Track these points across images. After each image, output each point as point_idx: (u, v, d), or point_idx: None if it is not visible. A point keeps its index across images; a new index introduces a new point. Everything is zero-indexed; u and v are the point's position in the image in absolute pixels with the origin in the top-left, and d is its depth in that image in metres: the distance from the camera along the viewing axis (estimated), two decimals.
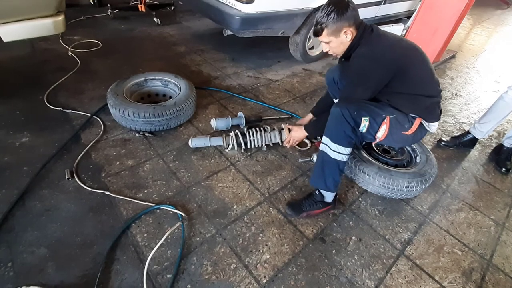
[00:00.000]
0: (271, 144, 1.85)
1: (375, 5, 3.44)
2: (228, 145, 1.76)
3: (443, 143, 2.16)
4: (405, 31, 3.54)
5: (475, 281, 1.32)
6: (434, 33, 3.17)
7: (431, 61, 3.41)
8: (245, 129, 1.83)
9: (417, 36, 3.31)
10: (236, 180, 1.63)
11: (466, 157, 2.10)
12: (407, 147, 1.80)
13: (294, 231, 1.41)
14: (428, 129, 1.49)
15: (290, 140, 1.78)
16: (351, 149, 1.39)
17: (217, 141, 1.77)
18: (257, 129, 1.82)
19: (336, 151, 1.36)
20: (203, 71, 2.72)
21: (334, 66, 1.77)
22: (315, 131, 1.69)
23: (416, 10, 3.28)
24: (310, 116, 1.96)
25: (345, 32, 1.29)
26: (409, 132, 1.43)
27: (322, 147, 1.41)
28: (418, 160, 1.69)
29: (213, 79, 2.60)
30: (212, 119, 1.92)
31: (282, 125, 1.86)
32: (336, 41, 1.33)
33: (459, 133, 2.27)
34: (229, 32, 2.69)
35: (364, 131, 1.36)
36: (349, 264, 1.31)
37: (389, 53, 1.31)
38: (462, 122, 2.48)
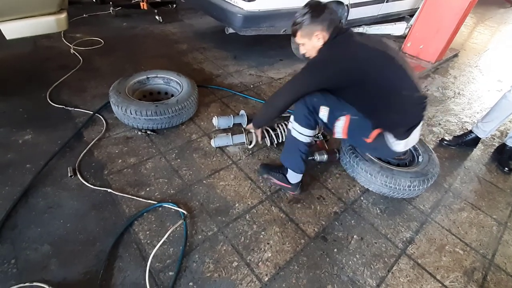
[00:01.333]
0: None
1: (378, 3, 3.42)
2: (251, 142, 1.78)
3: (445, 142, 2.15)
4: (407, 29, 3.52)
5: (476, 281, 1.32)
6: (437, 32, 3.15)
7: (434, 60, 3.39)
8: (275, 124, 1.87)
9: (420, 34, 3.29)
10: (238, 179, 1.64)
11: (468, 156, 2.09)
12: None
13: (295, 230, 1.41)
14: (390, 145, 1.37)
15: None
16: (312, 131, 1.42)
17: (240, 138, 1.79)
18: (285, 123, 1.84)
19: (295, 129, 1.42)
20: (205, 69, 2.72)
21: None
22: (256, 120, 1.62)
23: (419, 8, 3.26)
24: None
25: (316, 35, 1.28)
26: (369, 140, 1.36)
27: (289, 125, 1.48)
28: (420, 160, 1.69)
29: (215, 77, 2.60)
30: (214, 118, 1.92)
31: None
32: (309, 44, 1.33)
33: (462, 132, 2.26)
34: (231, 30, 2.69)
35: (324, 120, 1.38)
36: (350, 262, 1.31)
37: (345, 59, 1.23)
38: (465, 121, 2.47)
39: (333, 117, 1.36)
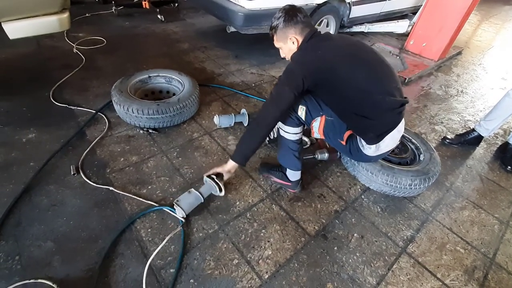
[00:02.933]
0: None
1: (380, 1, 3.40)
2: (221, 189, 1.42)
3: (447, 141, 2.14)
4: (410, 27, 3.50)
5: (477, 279, 1.32)
6: (440, 29, 3.13)
7: (437, 58, 3.37)
8: None
9: (423, 32, 3.27)
10: (239, 177, 1.64)
11: (471, 155, 2.08)
12: (410, 145, 1.79)
13: (296, 228, 1.42)
14: (361, 148, 1.36)
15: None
16: (296, 129, 1.42)
17: (209, 189, 1.44)
18: None
19: (281, 128, 1.45)
20: (206, 68, 2.73)
21: None
22: (240, 153, 1.37)
23: (422, 6, 3.24)
24: None
25: (290, 39, 1.29)
26: (343, 142, 1.40)
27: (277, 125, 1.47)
28: (421, 158, 1.69)
29: (216, 76, 2.61)
30: (215, 116, 1.93)
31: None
32: (285, 48, 1.34)
33: (464, 130, 2.25)
34: (232, 29, 2.69)
35: (303, 118, 1.40)
36: (350, 261, 1.31)
37: (315, 59, 1.22)
38: (468, 120, 2.45)
39: (310, 117, 1.40)
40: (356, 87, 1.21)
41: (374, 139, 1.31)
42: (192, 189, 1.40)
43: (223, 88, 2.42)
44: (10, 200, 1.35)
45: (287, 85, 1.24)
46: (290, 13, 1.27)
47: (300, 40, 1.28)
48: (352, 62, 1.22)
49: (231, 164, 1.38)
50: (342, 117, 1.34)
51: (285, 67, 1.29)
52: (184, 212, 1.34)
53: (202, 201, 1.39)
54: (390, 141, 1.35)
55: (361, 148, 1.37)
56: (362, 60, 1.24)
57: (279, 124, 1.44)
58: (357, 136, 1.37)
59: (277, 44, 1.37)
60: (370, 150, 1.35)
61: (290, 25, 1.26)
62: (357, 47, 1.27)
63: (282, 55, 1.42)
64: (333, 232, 1.42)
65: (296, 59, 1.27)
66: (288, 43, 1.31)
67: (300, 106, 1.39)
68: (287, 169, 1.53)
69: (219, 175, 1.42)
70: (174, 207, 1.34)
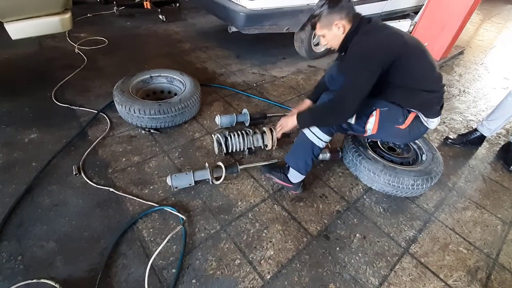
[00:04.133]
0: (253, 148, 1.78)
1: (382, 0, 3.39)
2: (219, 177, 1.53)
3: (450, 140, 2.13)
4: (412, 26, 3.49)
5: (480, 280, 1.31)
6: (442, 29, 3.12)
7: (439, 58, 3.37)
8: (227, 132, 1.75)
9: (425, 32, 3.26)
10: (241, 177, 1.64)
11: (473, 155, 2.07)
12: (412, 145, 1.78)
13: (298, 228, 1.42)
14: (426, 124, 1.44)
15: (280, 126, 1.60)
16: (329, 137, 1.42)
17: (203, 175, 1.52)
18: (239, 132, 1.75)
19: (315, 133, 1.40)
20: (208, 68, 2.73)
21: (332, 63, 1.72)
22: (303, 122, 1.44)
23: (424, 5, 3.23)
24: (307, 102, 1.77)
25: (336, 25, 1.28)
26: (403, 126, 1.41)
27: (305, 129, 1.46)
28: (424, 158, 1.68)
29: (218, 76, 2.61)
30: (216, 116, 1.93)
31: (264, 128, 1.78)
32: (329, 34, 1.33)
33: (467, 130, 2.24)
34: (234, 29, 2.69)
35: (352, 122, 1.39)
36: (353, 261, 1.31)
37: (386, 41, 1.27)
38: (470, 120, 2.44)
39: (363, 116, 1.39)
40: (423, 63, 1.32)
41: (438, 111, 1.42)
42: (192, 171, 1.51)
43: (225, 88, 2.42)
44: (13, 200, 1.35)
45: (365, 71, 1.24)
46: None
47: (347, 25, 1.28)
48: (412, 42, 1.31)
49: (294, 120, 1.45)
50: (408, 96, 1.36)
51: (350, 55, 1.29)
52: (172, 185, 1.46)
53: (193, 183, 1.49)
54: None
55: (425, 123, 1.44)
56: (415, 39, 1.34)
57: (314, 129, 1.39)
58: (419, 114, 1.41)
59: (320, 31, 1.35)
60: (434, 123, 1.45)
61: (335, 11, 1.25)
62: (403, 31, 1.34)
63: (323, 43, 1.40)
64: (335, 233, 1.42)
65: (366, 44, 1.25)
66: (333, 30, 1.30)
67: None
68: (291, 170, 1.51)
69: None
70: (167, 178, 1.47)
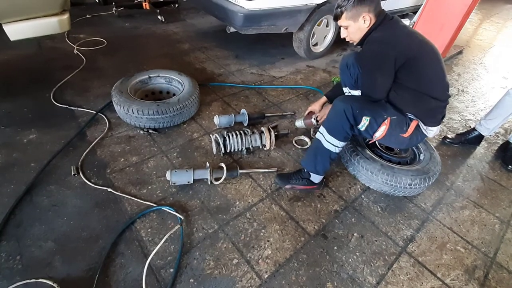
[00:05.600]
0: (251, 148, 1.78)
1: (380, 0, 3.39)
2: (219, 178, 1.55)
3: (448, 140, 2.13)
4: (411, 26, 3.49)
5: (478, 279, 1.31)
6: (440, 29, 3.12)
7: None
8: (225, 132, 1.75)
9: (423, 31, 3.22)
10: (239, 177, 1.64)
11: (471, 154, 2.07)
12: None
13: (296, 228, 1.42)
14: (425, 133, 1.46)
15: (323, 116, 1.74)
16: (344, 143, 1.43)
17: (203, 174, 1.54)
18: (237, 132, 1.75)
19: (330, 142, 1.42)
20: (206, 68, 2.73)
21: (350, 52, 1.75)
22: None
23: (422, 5, 3.23)
24: (323, 99, 1.90)
25: (363, 17, 1.28)
26: (406, 135, 1.42)
27: (318, 135, 1.47)
28: (421, 158, 1.68)
29: (216, 76, 2.61)
30: (215, 116, 1.93)
31: (263, 128, 1.79)
32: (354, 26, 1.33)
33: (465, 130, 2.24)
34: (232, 29, 2.69)
35: (363, 129, 1.38)
36: (350, 260, 1.31)
37: (404, 38, 1.28)
38: (468, 119, 2.45)
39: (374, 124, 1.38)
40: (435, 69, 1.32)
41: (439, 120, 1.43)
42: (192, 168, 1.52)
43: (223, 84, 2.42)
44: (12, 201, 1.36)
45: (381, 70, 1.26)
46: None
47: (373, 19, 1.28)
48: (427, 45, 1.32)
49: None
50: (415, 101, 1.37)
51: (367, 51, 1.30)
52: (171, 180, 1.47)
53: (191, 181, 1.51)
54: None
55: (425, 132, 1.46)
56: (431, 44, 1.34)
57: (328, 137, 1.41)
58: (420, 124, 1.43)
59: (344, 22, 1.34)
60: (432, 132, 1.46)
61: (364, 2, 1.25)
62: (421, 34, 1.36)
63: (344, 35, 1.40)
64: (333, 232, 1.42)
65: (383, 40, 1.26)
66: (359, 22, 1.30)
67: (364, 118, 1.35)
68: (312, 173, 1.52)
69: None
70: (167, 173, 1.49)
